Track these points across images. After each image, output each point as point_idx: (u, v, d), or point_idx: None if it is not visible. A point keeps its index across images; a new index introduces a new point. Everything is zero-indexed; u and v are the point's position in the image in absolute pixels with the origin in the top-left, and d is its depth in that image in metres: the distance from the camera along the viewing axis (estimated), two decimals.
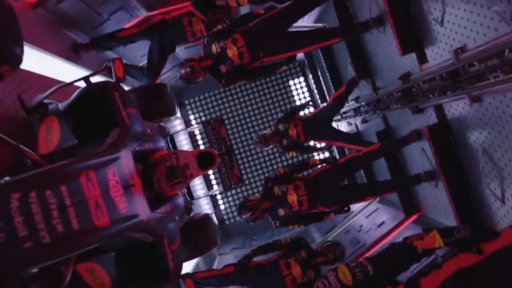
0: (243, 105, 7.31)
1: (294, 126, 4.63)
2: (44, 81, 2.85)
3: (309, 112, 5.37)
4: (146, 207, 1.74)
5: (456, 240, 2.35)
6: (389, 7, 2.99)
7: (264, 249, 3.59)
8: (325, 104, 5.05)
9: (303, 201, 3.44)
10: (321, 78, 6.46)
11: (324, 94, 6.51)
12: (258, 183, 7.33)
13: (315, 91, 6.84)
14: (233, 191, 7.25)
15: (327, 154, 6.95)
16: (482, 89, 2.36)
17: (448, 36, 2.59)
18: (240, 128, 7.31)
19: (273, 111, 7.31)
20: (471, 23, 2.29)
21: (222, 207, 7.36)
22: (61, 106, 2.11)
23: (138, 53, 4.46)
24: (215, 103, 7.27)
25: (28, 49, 1.54)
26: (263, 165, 7.37)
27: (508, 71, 2.11)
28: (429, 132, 3.07)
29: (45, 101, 2.14)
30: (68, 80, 2.16)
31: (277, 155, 7.32)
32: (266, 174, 7.26)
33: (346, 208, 3.77)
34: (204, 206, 7.11)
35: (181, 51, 4.97)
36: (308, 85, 7.28)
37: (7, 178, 1.59)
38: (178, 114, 6.92)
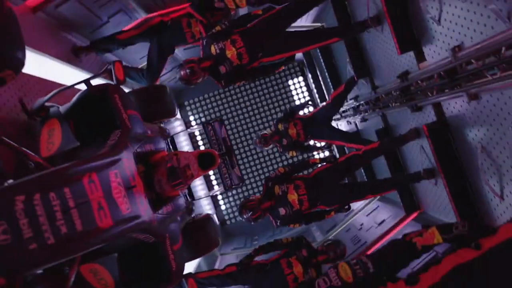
0: (242, 105, 7.32)
1: (294, 126, 4.65)
2: (45, 84, 2.87)
3: (309, 112, 5.38)
4: (148, 208, 1.76)
5: (454, 236, 2.37)
6: (386, 6, 3.01)
7: (266, 248, 3.60)
8: (324, 103, 5.06)
9: (303, 200, 3.45)
10: (320, 78, 6.48)
11: (324, 93, 6.53)
12: (259, 183, 7.35)
13: (314, 90, 6.85)
14: (234, 191, 7.26)
15: (327, 153, 6.97)
16: (480, 86, 2.38)
17: (445, 35, 2.61)
18: (240, 128, 7.32)
19: (273, 111, 7.33)
20: (468, 21, 2.30)
21: (223, 207, 7.38)
22: (62, 109, 2.12)
23: (137, 55, 4.47)
24: (214, 104, 7.29)
25: (28, 53, 1.55)
26: (263, 165, 7.39)
27: (505, 69, 2.12)
28: (428, 130, 3.09)
29: (46, 104, 2.16)
30: (68, 83, 2.18)
31: (277, 154, 7.33)
32: (267, 174, 7.28)
33: (347, 206, 3.80)
34: (205, 207, 7.13)
35: (180, 53, 4.98)
36: (307, 85, 7.30)
37: (10, 181, 1.60)
38: (178, 115, 6.94)
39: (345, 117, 5.68)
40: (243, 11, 3.75)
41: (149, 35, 3.77)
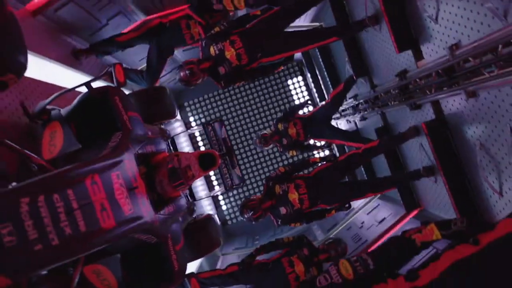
0: (242, 105, 7.34)
1: (294, 125, 4.67)
2: (46, 87, 2.89)
3: (308, 111, 5.40)
4: (150, 208, 1.78)
5: (453, 232, 2.39)
6: (384, 5, 3.03)
7: (267, 248, 3.61)
8: (323, 102, 5.08)
9: (304, 199, 3.47)
10: (319, 77, 6.49)
11: (323, 92, 6.54)
12: (259, 183, 7.36)
13: (314, 90, 6.87)
14: (235, 191, 7.27)
15: (327, 152, 6.98)
16: (478, 84, 2.40)
17: (442, 33, 2.63)
18: (240, 129, 7.34)
19: (272, 110, 7.35)
20: (465, 19, 2.32)
21: (224, 207, 7.40)
22: (63, 111, 2.14)
23: (137, 57, 4.49)
24: (214, 105, 7.31)
25: (29, 56, 1.57)
26: (264, 164, 7.40)
27: (502, 66, 2.14)
28: (427, 128, 3.10)
29: (48, 107, 2.17)
30: (69, 86, 2.19)
31: (277, 154, 7.35)
32: (267, 174, 7.29)
33: (347, 205, 3.81)
34: (206, 207, 7.14)
35: (179, 54, 5.00)
36: (306, 84, 7.31)
37: (14, 183, 1.62)
38: (178, 117, 6.95)
39: (344, 116, 5.69)
40: (241, 12, 3.77)
41: (148, 37, 3.79)
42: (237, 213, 7.22)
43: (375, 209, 5.12)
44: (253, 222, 3.58)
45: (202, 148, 7.22)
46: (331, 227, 5.60)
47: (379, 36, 3.57)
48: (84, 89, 2.07)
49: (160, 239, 1.82)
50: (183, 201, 2.24)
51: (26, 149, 1.82)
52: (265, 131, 4.97)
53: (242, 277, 3.45)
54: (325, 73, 5.71)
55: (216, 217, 6.84)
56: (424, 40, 2.92)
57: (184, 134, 7.02)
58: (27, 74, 2.67)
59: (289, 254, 3.36)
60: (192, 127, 7.21)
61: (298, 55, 6.45)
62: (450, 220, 2.53)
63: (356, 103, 4.86)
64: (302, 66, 7.21)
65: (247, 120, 7.34)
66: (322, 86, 6.51)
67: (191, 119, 7.28)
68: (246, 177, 7.23)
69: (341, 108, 5.49)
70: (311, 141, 5.24)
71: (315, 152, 6.94)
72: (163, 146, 2.30)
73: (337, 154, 6.67)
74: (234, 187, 6.66)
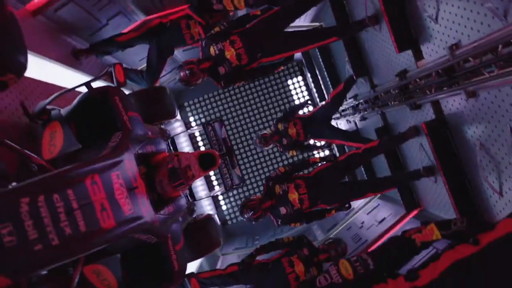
0: (242, 105, 7.34)
1: (294, 125, 4.67)
2: (46, 87, 2.89)
3: (308, 111, 5.40)
4: (150, 208, 1.78)
5: (453, 232, 2.39)
6: (384, 5, 3.03)
7: (267, 248, 3.61)
8: (323, 102, 5.08)
9: (304, 199, 3.47)
10: (319, 77, 6.49)
11: (323, 92, 6.54)
12: (259, 183, 7.36)
13: (314, 90, 6.87)
14: (235, 191, 7.28)
15: (327, 152, 6.98)
16: (478, 84, 2.40)
17: (442, 33, 2.63)
18: (240, 129, 7.34)
19: (272, 110, 7.35)
20: (465, 19, 2.32)
21: (224, 207, 7.40)
22: (63, 111, 2.14)
23: (137, 57, 4.49)
24: (214, 105, 7.31)
25: (29, 56, 1.57)
26: (264, 164, 7.40)
27: (502, 66, 2.14)
28: (427, 128, 3.10)
29: (48, 107, 2.17)
30: (69, 86, 2.19)
31: (277, 154, 7.35)
32: (267, 174, 7.29)
33: (347, 205, 3.81)
34: (206, 207, 7.15)
35: (179, 54, 5.00)
36: (306, 84, 7.31)
37: (14, 183, 1.62)
38: (178, 116, 6.95)
39: (344, 116, 5.69)
40: (241, 12, 3.77)
41: (148, 37, 3.79)
42: (237, 213, 7.22)
43: (375, 209, 5.13)
44: (253, 222, 3.58)
45: (202, 148, 7.22)
46: (331, 227, 5.60)
47: (379, 36, 3.57)
48: (84, 89, 2.07)
49: (160, 239, 1.82)
50: (183, 201, 2.24)
51: (26, 149, 1.82)
52: (265, 131, 4.97)
53: (242, 277, 3.45)
54: (325, 73, 5.71)
55: (216, 217, 6.84)
56: (424, 40, 2.92)
57: (184, 134, 7.02)
58: (27, 74, 2.67)
59: (289, 254, 3.36)
60: (192, 127, 7.21)
61: (298, 55, 6.45)
62: (450, 220, 2.53)
63: (356, 103, 4.86)
64: (302, 66, 7.21)
65: (247, 120, 7.34)
66: (322, 86, 6.51)
67: (191, 119, 7.28)
68: (246, 177, 7.23)
69: (341, 108, 5.49)
70: (311, 141, 5.24)
71: (315, 152, 6.94)
72: (163, 146, 2.30)
73: (337, 154, 6.67)
74: (234, 187, 6.66)
